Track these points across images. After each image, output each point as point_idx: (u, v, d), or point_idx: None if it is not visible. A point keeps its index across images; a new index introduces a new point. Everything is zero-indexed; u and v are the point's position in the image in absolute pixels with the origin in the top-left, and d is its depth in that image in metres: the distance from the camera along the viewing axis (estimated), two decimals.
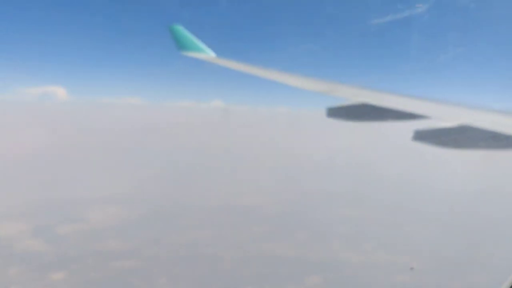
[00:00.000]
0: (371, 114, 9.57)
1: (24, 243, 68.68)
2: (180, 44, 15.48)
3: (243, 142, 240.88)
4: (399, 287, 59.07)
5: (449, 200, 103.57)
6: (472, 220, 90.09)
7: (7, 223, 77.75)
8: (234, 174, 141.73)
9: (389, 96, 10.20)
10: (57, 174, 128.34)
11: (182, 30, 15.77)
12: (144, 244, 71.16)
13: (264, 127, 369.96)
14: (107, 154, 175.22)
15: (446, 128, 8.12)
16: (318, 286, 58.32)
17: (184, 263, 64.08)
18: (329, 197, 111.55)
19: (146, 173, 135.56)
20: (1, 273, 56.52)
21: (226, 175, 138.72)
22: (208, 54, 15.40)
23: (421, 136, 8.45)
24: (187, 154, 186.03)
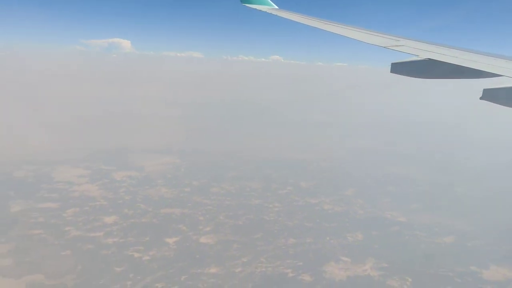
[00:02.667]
0: (437, 70, 9.08)
1: (82, 187, 72.84)
2: None
3: (299, 97, 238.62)
4: (444, 249, 57.37)
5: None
6: None
7: (68, 168, 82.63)
8: (288, 129, 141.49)
9: (457, 52, 9.62)
10: (117, 124, 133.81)
11: None
12: (193, 193, 73.40)
13: (323, 82, 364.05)
14: (167, 106, 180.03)
15: None
16: (359, 242, 57.84)
17: (230, 212, 65.53)
18: (382, 155, 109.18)
19: (202, 125, 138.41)
20: (59, 214, 60.49)
21: (279, 129, 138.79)
22: (270, 6, 15.21)
23: (491, 95, 7.85)
24: (243, 108, 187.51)
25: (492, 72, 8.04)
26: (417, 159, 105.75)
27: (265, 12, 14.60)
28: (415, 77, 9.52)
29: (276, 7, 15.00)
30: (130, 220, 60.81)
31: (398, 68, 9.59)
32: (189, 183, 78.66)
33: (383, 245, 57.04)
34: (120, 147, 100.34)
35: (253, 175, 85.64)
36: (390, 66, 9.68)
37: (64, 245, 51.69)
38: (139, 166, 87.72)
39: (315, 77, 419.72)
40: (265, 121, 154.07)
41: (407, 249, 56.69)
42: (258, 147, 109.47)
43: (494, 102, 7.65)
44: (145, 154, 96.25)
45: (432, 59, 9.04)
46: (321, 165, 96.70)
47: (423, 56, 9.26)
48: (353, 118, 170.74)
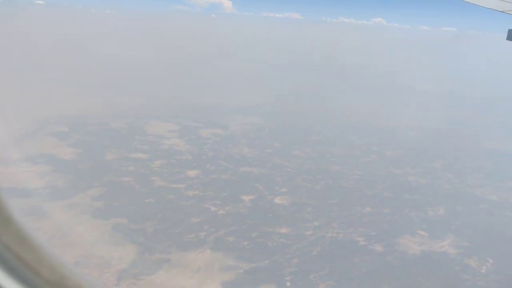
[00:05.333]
0: None
1: (171, 141, 76.96)
2: None
3: (398, 63, 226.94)
4: None
5: None
6: None
7: (160, 122, 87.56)
8: (380, 95, 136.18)
9: None
10: (209, 82, 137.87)
11: None
12: (274, 155, 74.23)
13: (425, 48, 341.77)
14: (260, 67, 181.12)
15: None
16: (440, 218, 55.08)
17: (308, 176, 65.55)
18: (479, 128, 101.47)
19: (294, 88, 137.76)
20: (147, 164, 64.79)
21: (370, 95, 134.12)
22: None
23: None
24: (338, 71, 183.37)
25: None
26: None
27: None
28: None
29: None
30: (211, 175, 63.38)
31: None
32: (271, 144, 79.57)
33: (466, 223, 53.78)
34: (210, 105, 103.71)
35: (336, 141, 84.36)
36: (506, 33, 8.65)
37: (148, 193, 55.49)
38: (224, 124, 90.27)
39: (418, 42, 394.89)
40: (357, 86, 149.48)
41: (494, 229, 52.90)
42: (345, 112, 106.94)
43: None
44: (232, 113, 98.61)
45: None
46: (410, 134, 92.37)
47: None
48: (453, 87, 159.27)
